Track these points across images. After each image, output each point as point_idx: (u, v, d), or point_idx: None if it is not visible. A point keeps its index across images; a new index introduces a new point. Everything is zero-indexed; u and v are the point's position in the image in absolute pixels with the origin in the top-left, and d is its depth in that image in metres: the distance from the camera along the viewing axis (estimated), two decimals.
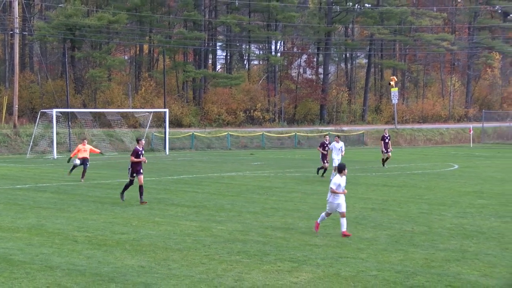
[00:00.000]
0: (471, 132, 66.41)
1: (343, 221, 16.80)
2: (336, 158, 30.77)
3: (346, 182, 17.43)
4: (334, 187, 16.83)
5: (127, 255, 14.45)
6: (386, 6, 78.34)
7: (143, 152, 23.11)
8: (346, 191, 17.18)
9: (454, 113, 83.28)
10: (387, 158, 38.21)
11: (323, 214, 17.33)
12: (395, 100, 70.95)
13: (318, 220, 17.38)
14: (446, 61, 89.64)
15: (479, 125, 72.30)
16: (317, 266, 13.68)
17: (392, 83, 70.47)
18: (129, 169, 22.94)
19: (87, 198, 24.06)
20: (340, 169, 17.11)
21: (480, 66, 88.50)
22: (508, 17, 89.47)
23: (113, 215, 20.22)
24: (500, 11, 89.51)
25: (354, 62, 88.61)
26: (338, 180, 16.90)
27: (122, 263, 13.71)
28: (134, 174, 22.72)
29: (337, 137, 32.23)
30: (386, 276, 12.89)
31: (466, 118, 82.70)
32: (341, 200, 16.89)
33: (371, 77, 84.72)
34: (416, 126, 73.13)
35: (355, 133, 63.77)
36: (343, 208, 16.84)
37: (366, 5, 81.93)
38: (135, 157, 22.61)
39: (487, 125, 72.92)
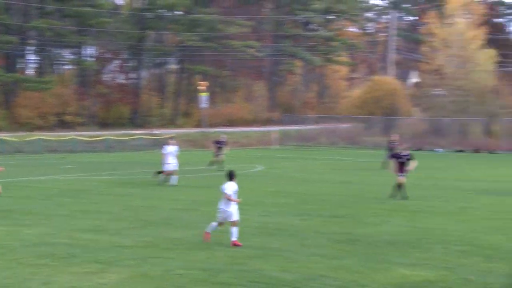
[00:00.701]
0: (274, 134, 69.44)
1: (234, 230, 16.26)
2: (172, 162, 30.69)
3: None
4: (230, 193, 16.21)
5: None
6: (197, 14, 79.73)
7: None
8: (240, 199, 16.69)
9: (259, 116, 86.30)
10: (215, 161, 39.64)
11: (214, 223, 16.56)
12: (204, 104, 72.47)
13: (208, 230, 16.62)
14: (253, 67, 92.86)
15: (281, 128, 75.69)
16: (126, 266, 13.92)
17: (202, 88, 71.93)
18: None
19: None
20: (232, 176, 16.44)
21: (283, 73, 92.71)
22: (308, 26, 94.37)
23: None
24: (302, 21, 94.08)
25: (165, 67, 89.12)
26: (233, 187, 16.30)
27: None
28: None
29: (170, 140, 32.43)
30: (194, 274, 13.38)
31: (271, 121, 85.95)
32: (234, 208, 16.31)
33: (182, 82, 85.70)
34: (224, 129, 75.05)
35: (166, 136, 64.20)
36: (235, 217, 16.28)
37: (178, 12, 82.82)
38: None
39: (288, 128, 76.59)
